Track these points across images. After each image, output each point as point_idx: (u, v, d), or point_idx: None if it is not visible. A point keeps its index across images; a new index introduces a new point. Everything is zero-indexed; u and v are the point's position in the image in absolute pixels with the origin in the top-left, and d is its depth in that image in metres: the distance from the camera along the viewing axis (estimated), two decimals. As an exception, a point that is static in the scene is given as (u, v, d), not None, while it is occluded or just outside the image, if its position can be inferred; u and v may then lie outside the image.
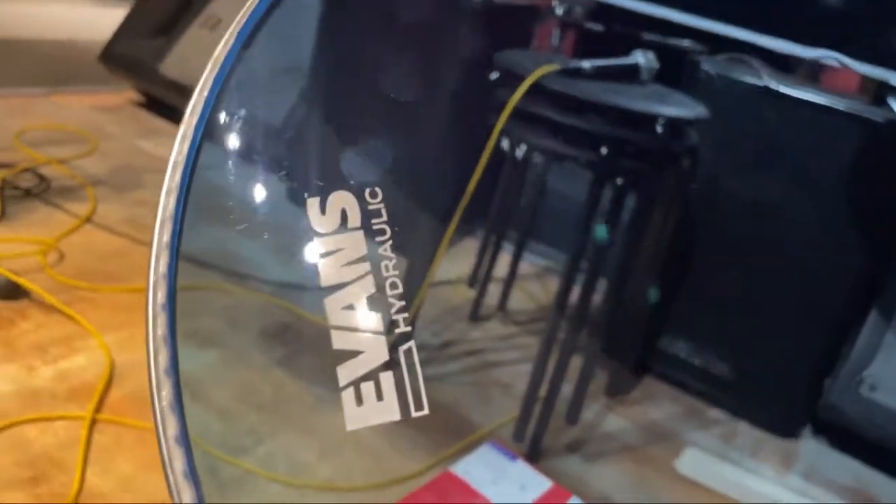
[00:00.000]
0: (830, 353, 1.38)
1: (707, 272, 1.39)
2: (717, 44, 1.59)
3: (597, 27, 2.23)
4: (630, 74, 1.15)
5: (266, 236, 1.79)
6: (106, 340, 1.19)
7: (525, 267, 1.76)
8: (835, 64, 1.39)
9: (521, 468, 1.13)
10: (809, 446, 1.36)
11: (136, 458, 0.98)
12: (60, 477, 0.91)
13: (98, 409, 1.04)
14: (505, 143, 1.47)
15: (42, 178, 1.69)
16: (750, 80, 1.30)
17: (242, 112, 1.75)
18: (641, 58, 1.15)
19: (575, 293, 1.20)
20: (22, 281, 1.26)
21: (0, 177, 1.62)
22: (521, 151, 1.44)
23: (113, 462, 0.96)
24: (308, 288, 1.62)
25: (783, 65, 1.66)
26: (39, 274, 1.33)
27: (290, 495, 1.03)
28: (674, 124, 1.06)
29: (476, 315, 1.60)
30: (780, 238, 1.30)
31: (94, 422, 1.02)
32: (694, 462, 1.31)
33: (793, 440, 1.40)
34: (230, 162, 1.89)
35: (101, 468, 0.94)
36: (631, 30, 2.04)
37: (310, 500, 1.00)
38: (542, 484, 1.10)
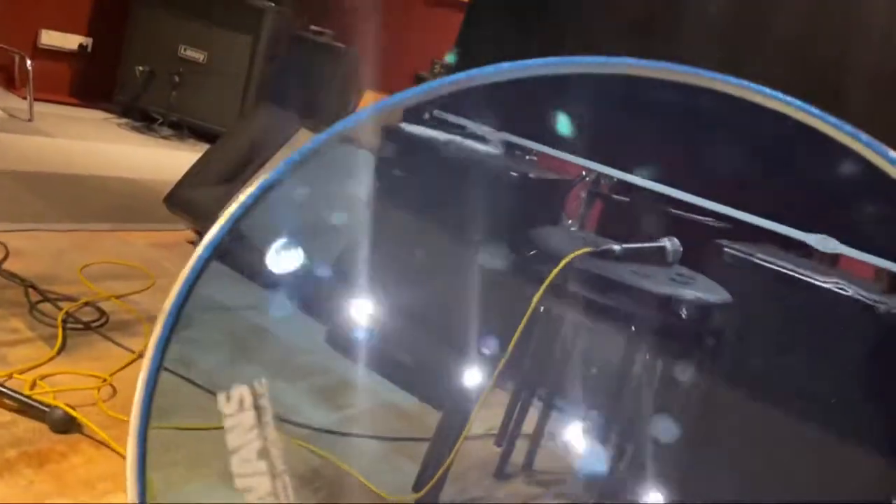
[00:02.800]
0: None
1: (735, 450, 1.42)
2: (736, 223, 1.70)
3: (622, 198, 2.38)
4: (657, 257, 1.25)
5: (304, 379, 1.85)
6: (152, 477, 1.24)
7: (552, 425, 1.80)
8: (845, 252, 1.48)
9: None
10: None
11: None
12: None
13: (138, 549, 1.08)
14: (540, 307, 1.55)
15: (102, 312, 1.81)
16: (771, 265, 1.39)
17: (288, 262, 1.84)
18: (667, 242, 1.26)
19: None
20: (76, 414, 1.34)
21: (63, 310, 1.74)
22: (554, 315, 1.53)
23: None
24: (342, 432, 1.66)
25: (804, 251, 1.76)
26: (93, 408, 1.41)
27: None
28: (698, 306, 1.15)
29: (502, 473, 1.62)
30: (803, 421, 1.34)
31: (132, 562, 1.05)
32: None
33: None
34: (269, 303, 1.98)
35: None
36: (655, 203, 2.18)
37: None
38: None
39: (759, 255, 1.41)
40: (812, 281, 1.34)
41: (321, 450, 1.46)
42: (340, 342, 1.96)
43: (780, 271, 1.38)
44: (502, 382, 1.99)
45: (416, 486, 1.40)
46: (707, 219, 2.11)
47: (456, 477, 1.53)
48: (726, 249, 1.43)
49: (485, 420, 1.71)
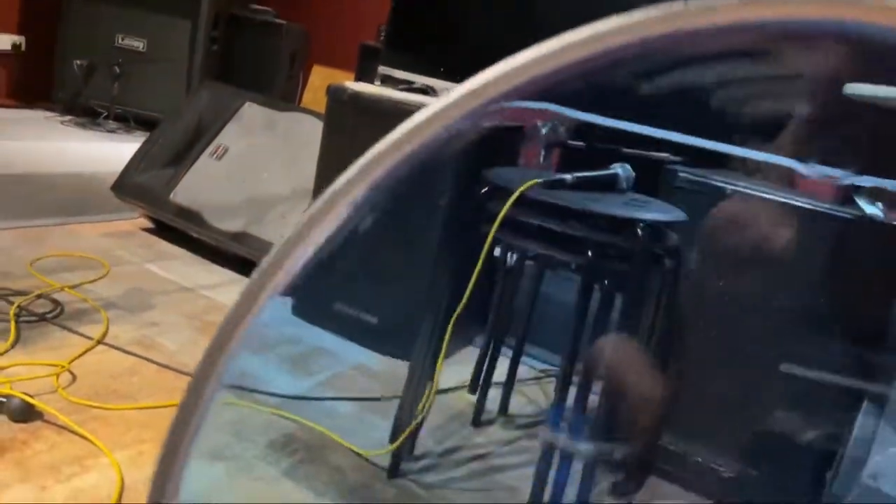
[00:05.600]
0: (828, 446, 1.40)
1: (702, 369, 1.43)
2: (692, 154, 1.71)
3: (578, 144, 2.37)
4: (610, 184, 1.25)
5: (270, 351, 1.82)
6: (117, 458, 1.21)
7: (524, 370, 1.80)
8: (802, 171, 1.49)
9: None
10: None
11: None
12: None
13: (109, 526, 1.06)
14: (498, 252, 1.54)
15: (56, 303, 1.75)
16: (725, 185, 1.40)
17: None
18: (619, 169, 1.25)
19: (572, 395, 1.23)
20: (36, 402, 1.30)
21: (15, 303, 1.69)
22: (513, 260, 1.52)
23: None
24: (314, 397, 1.64)
25: (756, 171, 1.77)
26: (53, 395, 1.37)
27: None
28: (654, 227, 1.14)
29: (478, 420, 1.62)
30: (767, 334, 1.35)
31: (104, 539, 1.03)
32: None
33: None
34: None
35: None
36: (611, 145, 2.18)
37: None
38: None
39: (713, 177, 1.41)
40: (771, 197, 1.35)
41: (295, 416, 1.44)
42: (306, 311, 1.93)
43: (735, 190, 1.38)
44: (472, 337, 1.98)
45: (392, 441, 1.39)
46: (662, 154, 2.11)
47: (434, 428, 1.52)
48: (681, 174, 1.43)
49: (457, 373, 1.70)
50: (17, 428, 1.25)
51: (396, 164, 0.38)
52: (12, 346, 1.52)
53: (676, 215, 1.18)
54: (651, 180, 1.43)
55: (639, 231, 1.09)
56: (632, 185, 1.27)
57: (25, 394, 1.30)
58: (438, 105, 0.35)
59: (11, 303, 1.69)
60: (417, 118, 0.36)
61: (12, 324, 1.59)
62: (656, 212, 1.16)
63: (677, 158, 2.01)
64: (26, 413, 1.28)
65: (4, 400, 1.28)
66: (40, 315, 1.68)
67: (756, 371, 1.38)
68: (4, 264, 1.94)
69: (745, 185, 1.39)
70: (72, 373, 1.46)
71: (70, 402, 1.35)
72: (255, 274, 0.35)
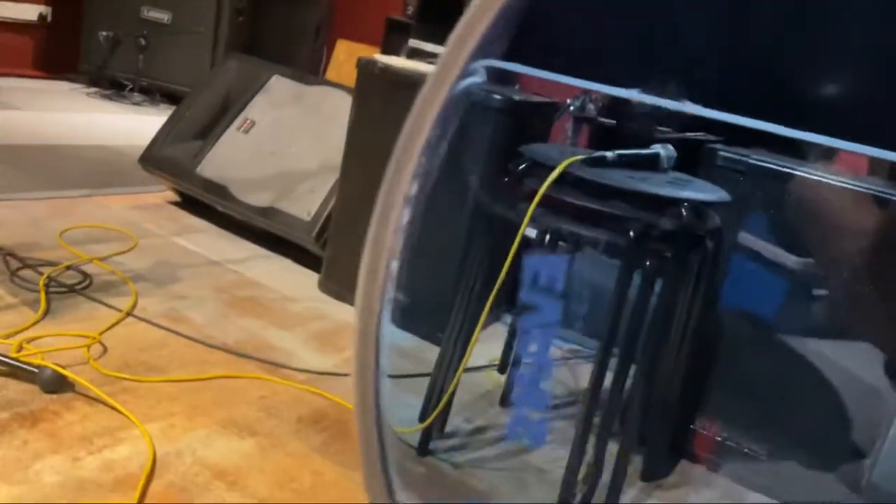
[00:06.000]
0: (867, 432, 1.37)
1: (737, 353, 1.40)
2: (729, 133, 1.66)
3: (609, 121, 2.32)
4: (651, 164, 1.21)
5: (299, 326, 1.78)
6: (148, 430, 1.21)
7: (553, 351, 1.78)
8: (842, 147, 1.44)
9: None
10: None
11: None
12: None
13: (142, 499, 1.06)
14: (531, 232, 1.51)
15: (85, 274, 1.75)
16: (768, 164, 1.36)
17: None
18: (661, 149, 1.21)
19: (607, 379, 1.21)
20: (67, 373, 1.30)
21: (45, 274, 1.69)
22: (547, 239, 1.49)
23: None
24: (342, 373, 1.61)
25: (797, 150, 1.72)
26: (84, 366, 1.37)
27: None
28: (697, 208, 1.11)
29: (507, 400, 1.60)
30: (807, 317, 1.32)
31: (137, 511, 1.03)
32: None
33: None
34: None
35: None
36: (643, 123, 2.12)
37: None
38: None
39: (755, 157, 1.37)
40: (816, 177, 1.31)
41: (325, 392, 1.44)
42: (334, 287, 1.92)
43: (778, 170, 1.34)
44: (501, 314, 1.96)
45: (422, 418, 1.38)
46: (699, 133, 2.06)
47: (462, 407, 1.51)
48: (721, 153, 1.39)
49: (485, 351, 1.69)
50: (49, 399, 1.25)
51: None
52: (43, 317, 1.52)
53: (721, 195, 1.14)
54: (686, 159, 1.39)
55: (683, 211, 1.06)
56: (672, 165, 1.23)
57: (57, 365, 1.30)
58: (443, 54, 0.36)
59: (41, 273, 1.69)
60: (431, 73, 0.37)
61: (42, 294, 1.60)
62: (701, 191, 1.12)
63: (714, 138, 1.97)
64: (58, 384, 1.28)
65: (37, 370, 1.28)
66: (70, 286, 1.68)
67: (790, 355, 1.35)
68: (33, 235, 1.94)
69: (785, 165, 1.35)
70: (102, 344, 1.46)
71: (101, 374, 1.35)
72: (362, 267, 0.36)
